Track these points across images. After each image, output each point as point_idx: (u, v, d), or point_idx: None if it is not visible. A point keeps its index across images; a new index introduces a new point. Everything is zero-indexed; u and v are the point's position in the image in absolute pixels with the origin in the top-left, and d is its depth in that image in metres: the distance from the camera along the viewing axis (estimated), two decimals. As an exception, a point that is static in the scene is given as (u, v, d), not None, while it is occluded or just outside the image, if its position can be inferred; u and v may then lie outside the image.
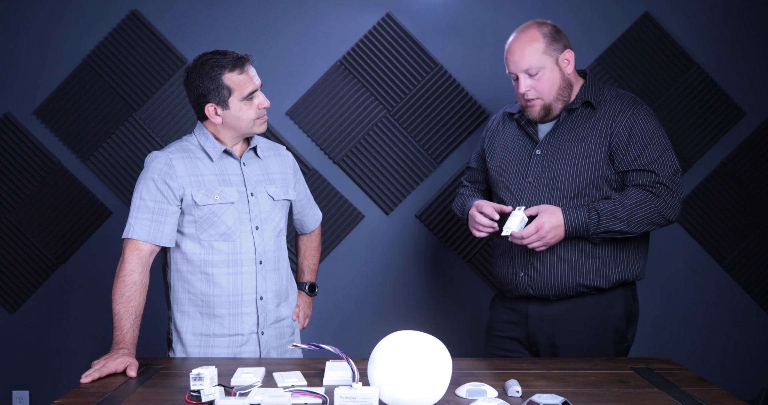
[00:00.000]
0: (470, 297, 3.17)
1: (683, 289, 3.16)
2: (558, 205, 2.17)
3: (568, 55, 2.21)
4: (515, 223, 2.12)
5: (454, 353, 1.68)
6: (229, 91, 2.06)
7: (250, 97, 2.08)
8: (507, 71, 2.24)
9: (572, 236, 2.15)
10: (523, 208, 2.15)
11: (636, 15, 3.06)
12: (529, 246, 2.14)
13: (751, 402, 3.01)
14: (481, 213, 2.23)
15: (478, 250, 3.14)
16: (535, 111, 2.22)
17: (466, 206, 2.40)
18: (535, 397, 1.55)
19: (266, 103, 2.11)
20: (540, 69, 2.18)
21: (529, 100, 2.21)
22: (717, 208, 3.13)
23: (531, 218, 2.15)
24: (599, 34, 3.05)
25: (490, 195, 2.46)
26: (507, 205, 2.25)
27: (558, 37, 2.20)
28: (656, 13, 3.06)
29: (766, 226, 3.14)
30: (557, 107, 2.22)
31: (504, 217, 2.20)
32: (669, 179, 2.16)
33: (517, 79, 2.22)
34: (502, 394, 1.68)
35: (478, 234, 2.26)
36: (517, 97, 2.29)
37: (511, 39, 2.23)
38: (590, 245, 2.20)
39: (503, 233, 2.14)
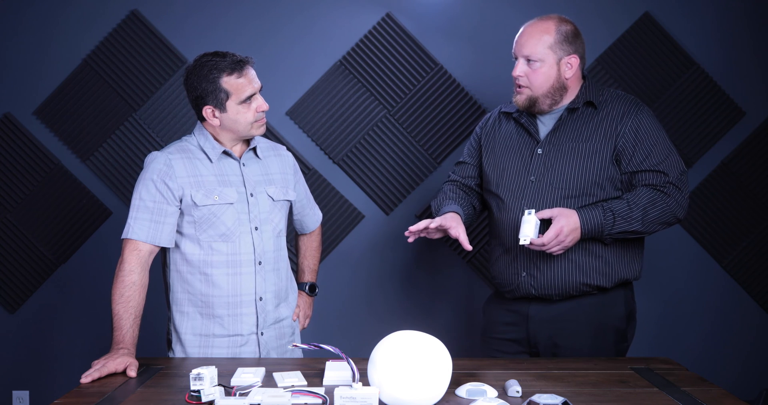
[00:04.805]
0: (470, 297, 3.16)
1: (683, 289, 3.16)
2: (562, 205, 2.16)
3: (572, 61, 2.20)
4: (531, 230, 2.06)
5: (454, 353, 1.68)
6: (227, 95, 2.04)
7: (248, 100, 2.06)
8: (512, 50, 2.25)
9: (587, 238, 2.14)
10: (533, 211, 2.10)
11: (636, 15, 3.06)
12: (547, 251, 2.10)
13: (751, 402, 3.01)
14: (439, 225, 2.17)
15: (477, 250, 3.13)
16: (521, 99, 2.23)
17: (441, 209, 2.33)
18: (535, 397, 1.55)
19: (265, 106, 2.09)
20: (539, 61, 2.18)
21: (519, 86, 2.23)
22: (717, 208, 3.13)
23: (542, 221, 2.13)
24: (599, 34, 3.05)
25: (480, 191, 2.42)
26: (506, 206, 2.24)
27: (573, 40, 2.19)
28: (656, 13, 3.06)
29: (766, 226, 3.14)
30: (544, 103, 2.22)
31: (514, 226, 2.18)
32: (678, 179, 2.17)
33: (517, 60, 2.23)
34: (502, 394, 1.68)
35: (410, 239, 2.25)
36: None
37: (528, 22, 2.23)
38: (593, 244, 2.18)
39: (521, 242, 2.07)
